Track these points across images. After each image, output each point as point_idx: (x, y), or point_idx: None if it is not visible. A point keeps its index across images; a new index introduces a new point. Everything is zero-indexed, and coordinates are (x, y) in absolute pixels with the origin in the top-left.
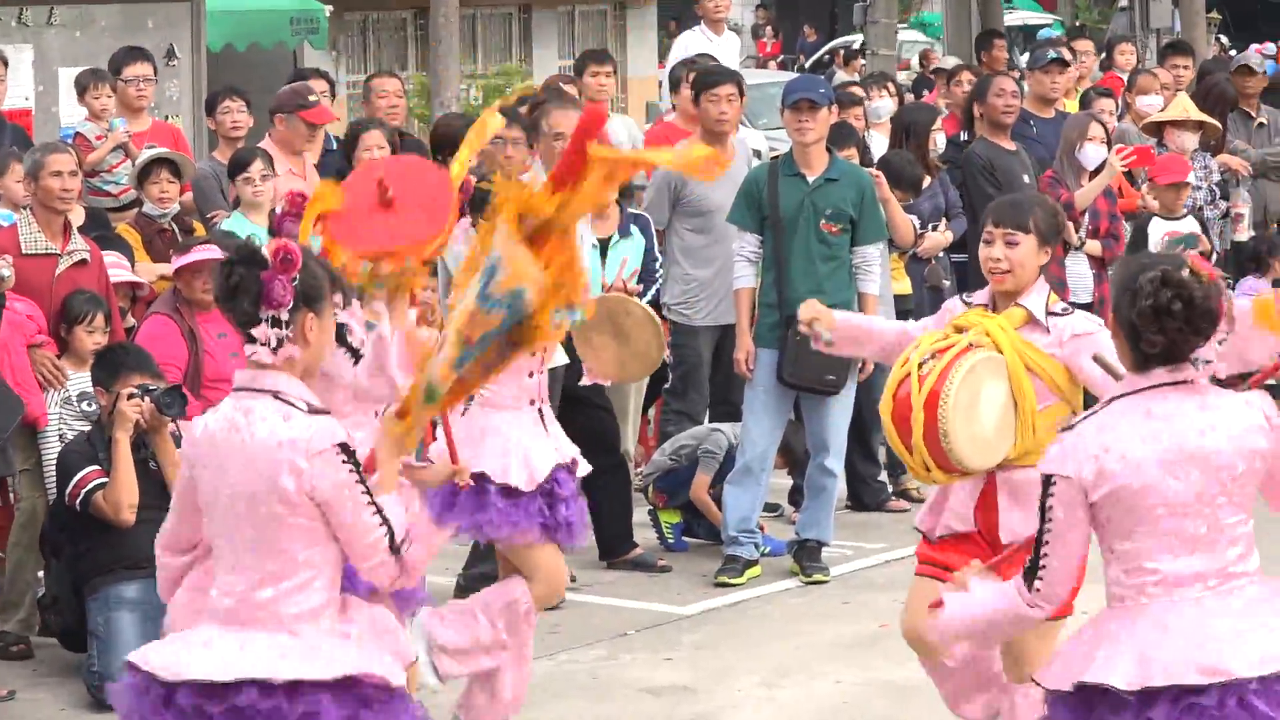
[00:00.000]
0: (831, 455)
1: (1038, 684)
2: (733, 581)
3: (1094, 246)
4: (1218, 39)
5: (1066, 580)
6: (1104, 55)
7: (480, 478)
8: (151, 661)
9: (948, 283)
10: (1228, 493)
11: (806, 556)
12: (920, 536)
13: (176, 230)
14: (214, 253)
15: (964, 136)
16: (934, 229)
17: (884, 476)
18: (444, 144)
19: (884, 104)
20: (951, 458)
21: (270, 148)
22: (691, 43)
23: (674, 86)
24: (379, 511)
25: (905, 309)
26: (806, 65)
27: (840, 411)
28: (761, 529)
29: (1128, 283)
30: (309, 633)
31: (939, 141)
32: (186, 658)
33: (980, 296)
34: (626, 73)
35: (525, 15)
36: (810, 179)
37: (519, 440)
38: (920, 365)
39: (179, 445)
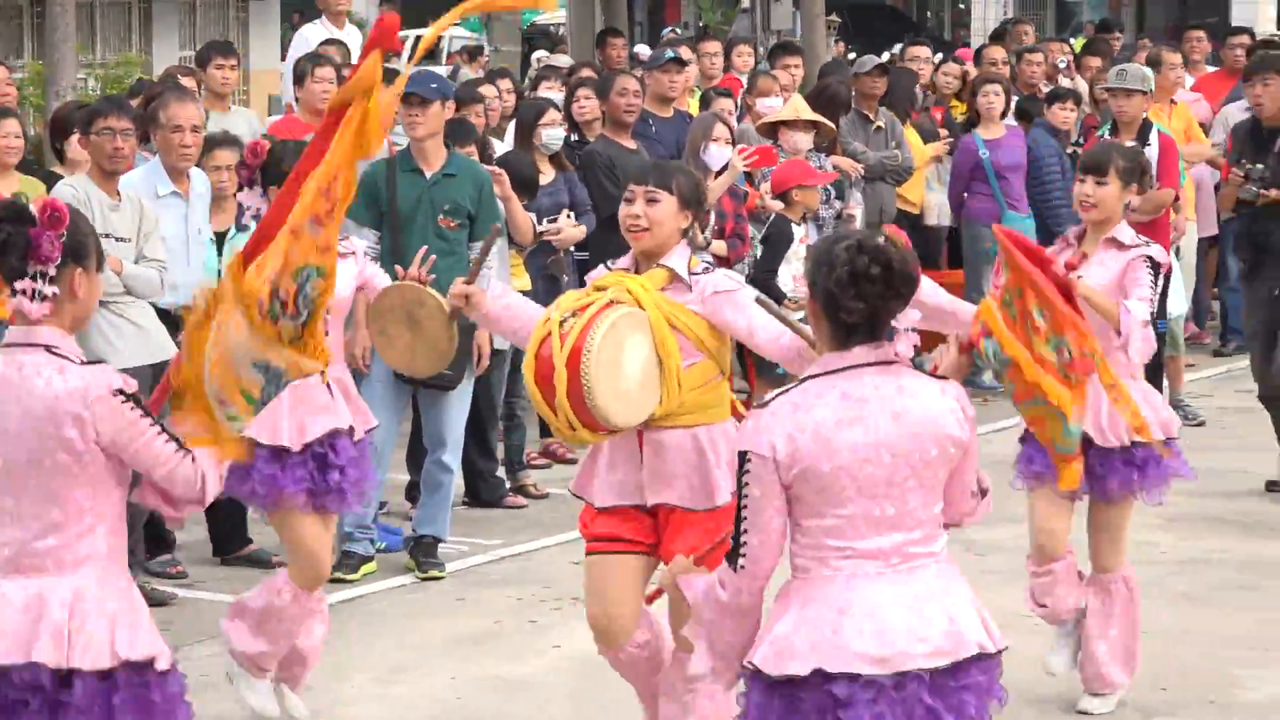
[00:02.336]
0: (448, 451)
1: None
2: (347, 578)
3: (719, 247)
4: (837, 41)
5: (767, 557)
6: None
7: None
8: None
9: (567, 278)
10: (918, 476)
11: (422, 552)
12: (583, 507)
13: None
14: None
15: (574, 137)
16: (551, 221)
17: (501, 472)
18: (62, 132)
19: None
20: (596, 415)
21: None
22: (313, 35)
23: (298, 79)
24: (171, 437)
25: None
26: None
27: (457, 407)
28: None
29: (823, 257)
30: (90, 580)
31: (543, 136)
32: None
33: (623, 262)
34: (249, 65)
35: (145, 5)
36: (428, 174)
37: (295, 404)
38: (561, 323)
39: None
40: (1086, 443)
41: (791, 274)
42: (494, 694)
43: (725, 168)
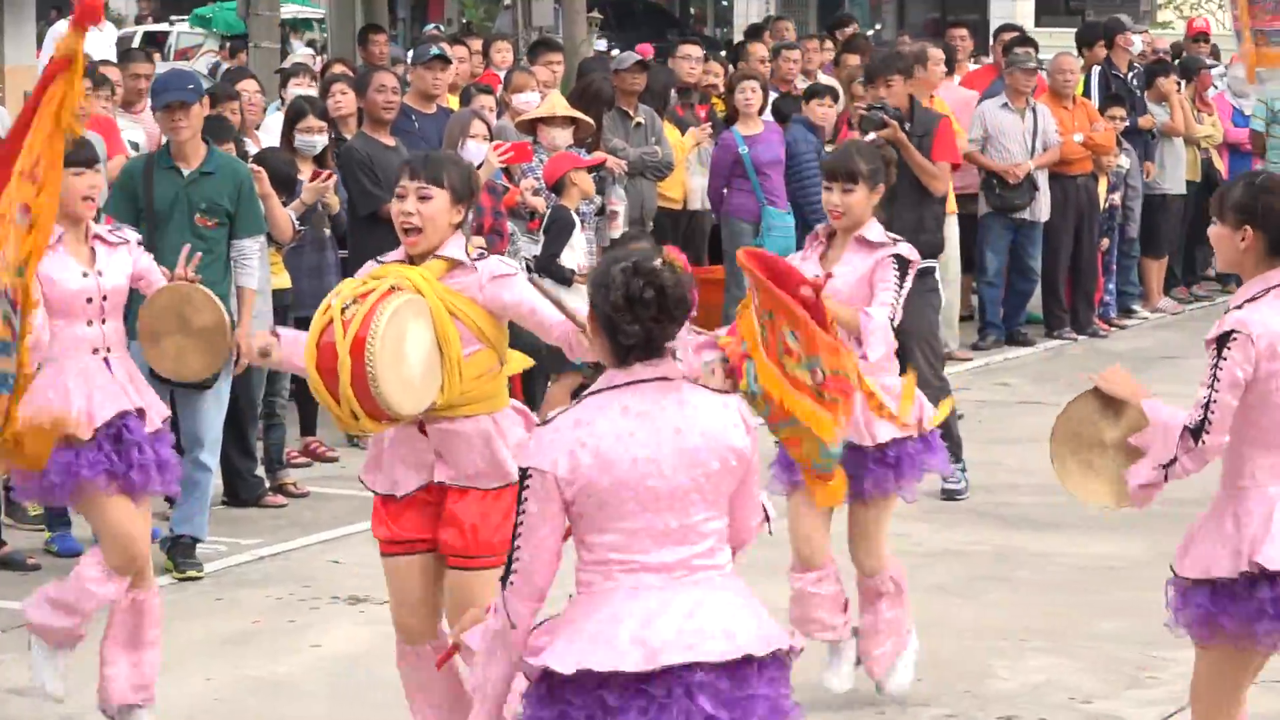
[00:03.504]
0: (206, 450)
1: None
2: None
3: (477, 242)
4: (600, 37)
5: (539, 574)
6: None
7: None
8: None
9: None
10: (701, 490)
11: (180, 552)
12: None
13: None
14: None
15: (331, 135)
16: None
17: (261, 471)
18: None
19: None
20: (381, 403)
21: None
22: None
23: None
24: None
25: (284, 303)
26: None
27: (214, 406)
28: None
29: (601, 278)
30: None
31: (297, 141)
32: None
33: (395, 255)
34: (4, 62)
35: None
36: (186, 172)
37: (78, 388)
38: (343, 310)
39: None
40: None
41: (576, 260)
42: (252, 695)
43: (482, 164)
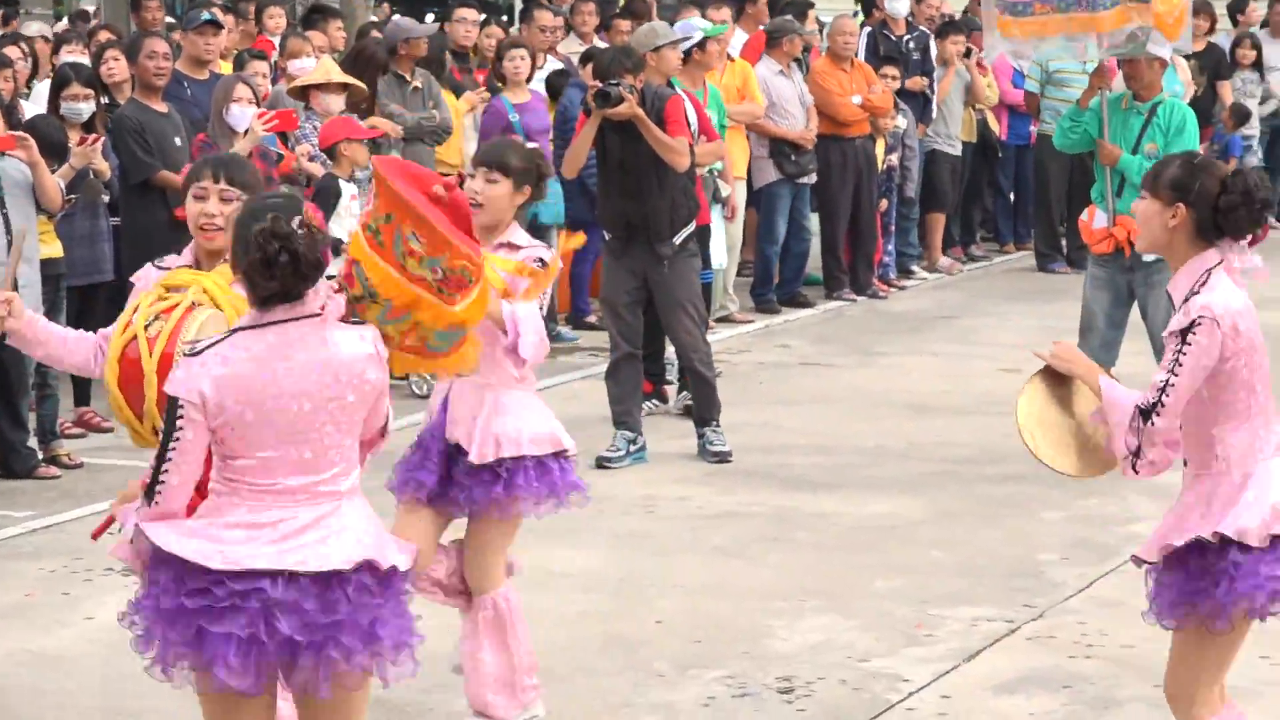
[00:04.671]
0: None
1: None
2: None
3: None
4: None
5: (181, 495)
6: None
7: None
8: None
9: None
10: (335, 421)
11: None
12: None
13: None
14: None
15: (105, 100)
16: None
17: (34, 442)
18: None
19: None
20: None
21: None
22: None
23: None
24: None
25: (56, 272)
26: None
27: None
28: None
29: (240, 234)
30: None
31: (63, 108)
32: None
33: (183, 259)
34: None
35: None
36: None
37: None
38: (146, 327)
39: None
40: (460, 452)
41: (345, 229)
42: (23, 668)
43: (247, 131)
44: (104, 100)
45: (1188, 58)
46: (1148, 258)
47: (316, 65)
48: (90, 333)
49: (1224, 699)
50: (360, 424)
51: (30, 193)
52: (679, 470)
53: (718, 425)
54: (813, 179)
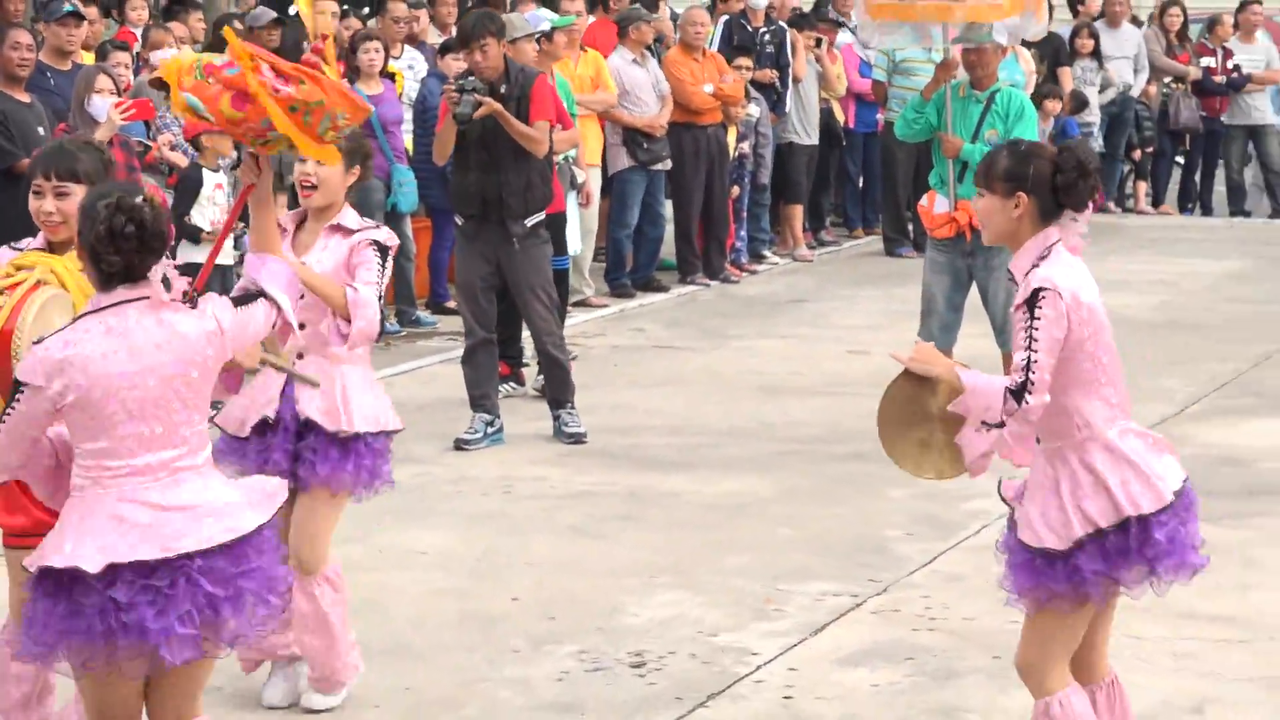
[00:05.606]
0: None
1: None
2: None
3: None
4: None
5: (6, 456)
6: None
7: None
8: None
9: None
10: (182, 398)
11: None
12: None
13: None
14: None
15: None
16: None
17: None
18: None
19: None
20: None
21: None
22: None
23: None
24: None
25: None
26: None
27: None
28: None
29: (88, 211)
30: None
31: None
32: None
33: (35, 243)
34: None
35: None
36: None
37: None
38: None
39: None
40: (310, 428)
41: (208, 218)
42: None
43: (105, 121)
44: None
45: (1027, 45)
46: (985, 240)
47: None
48: None
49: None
50: (207, 399)
51: None
52: (535, 452)
53: (573, 407)
54: (667, 165)
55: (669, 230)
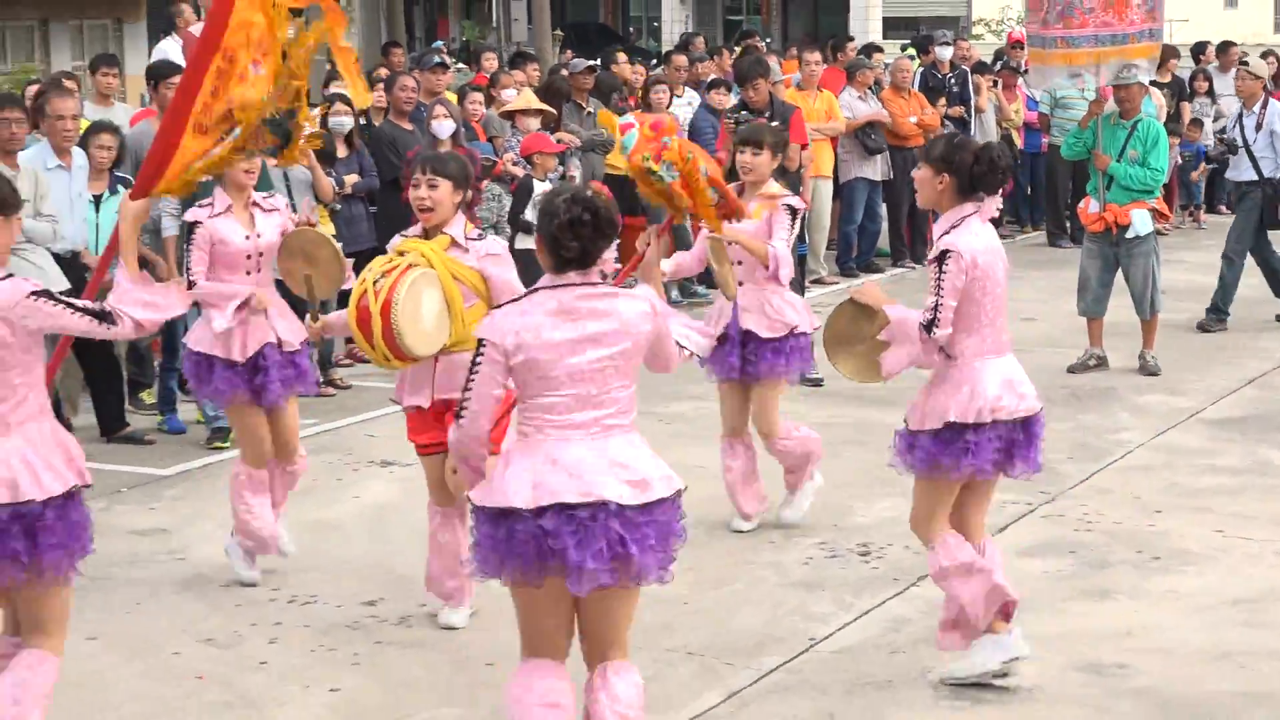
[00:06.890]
0: None
1: (474, 504)
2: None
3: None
4: (563, 50)
5: (482, 416)
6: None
7: None
8: None
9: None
10: (616, 365)
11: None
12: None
13: None
14: None
15: (363, 121)
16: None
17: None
18: None
19: None
20: (404, 350)
21: None
22: (169, 49)
23: (152, 83)
24: (76, 309)
25: None
26: None
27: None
28: None
29: (547, 207)
30: (33, 431)
31: (331, 123)
32: None
33: (414, 231)
34: (126, 71)
35: (44, 27)
36: None
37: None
38: (374, 283)
39: None
40: (748, 336)
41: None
42: (308, 533)
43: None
44: (363, 121)
45: (1159, 86)
46: (1128, 234)
47: (519, 95)
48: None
49: (947, 524)
50: (636, 369)
51: (310, 188)
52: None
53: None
54: (881, 176)
55: (884, 226)
